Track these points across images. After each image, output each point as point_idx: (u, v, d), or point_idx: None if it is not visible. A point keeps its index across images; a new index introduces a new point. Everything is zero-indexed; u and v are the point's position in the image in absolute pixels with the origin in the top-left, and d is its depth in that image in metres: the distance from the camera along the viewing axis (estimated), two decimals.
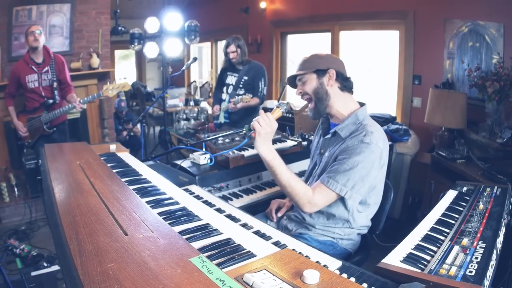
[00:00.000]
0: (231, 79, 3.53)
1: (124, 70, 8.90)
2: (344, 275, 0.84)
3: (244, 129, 1.54)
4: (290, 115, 4.09)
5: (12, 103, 3.29)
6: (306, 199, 1.41)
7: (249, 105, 3.30)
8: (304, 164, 2.28)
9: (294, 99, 4.63)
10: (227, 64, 3.49)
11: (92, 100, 3.16)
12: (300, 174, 2.32)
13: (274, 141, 2.36)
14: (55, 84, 3.20)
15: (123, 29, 5.38)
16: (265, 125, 1.43)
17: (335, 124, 1.60)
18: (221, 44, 6.47)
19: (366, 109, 1.58)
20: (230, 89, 3.51)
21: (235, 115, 3.45)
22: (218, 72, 3.76)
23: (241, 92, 3.44)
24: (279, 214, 1.78)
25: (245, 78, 3.43)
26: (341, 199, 1.48)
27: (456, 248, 1.05)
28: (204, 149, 2.10)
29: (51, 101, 3.20)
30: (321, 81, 1.54)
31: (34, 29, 3.11)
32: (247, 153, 2.15)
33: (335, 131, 1.56)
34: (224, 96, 3.59)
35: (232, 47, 3.35)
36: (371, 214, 1.59)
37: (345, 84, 1.57)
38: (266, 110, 1.54)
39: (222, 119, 3.58)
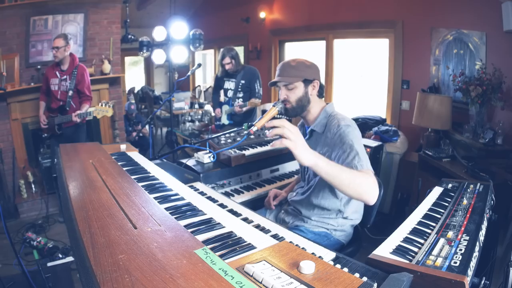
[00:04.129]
0: (229, 84, 3.59)
1: (134, 76, 8.90)
2: (338, 266, 0.84)
3: (244, 127, 1.54)
4: (288, 118, 4.09)
5: (44, 98, 3.41)
6: (370, 188, 1.23)
7: (255, 105, 3.39)
8: None
9: None
10: (224, 73, 3.55)
11: (85, 116, 3.23)
12: (297, 172, 2.32)
13: (272, 141, 2.36)
14: (70, 92, 3.23)
15: (132, 37, 5.37)
16: (297, 132, 1.16)
17: (308, 126, 1.63)
18: None
19: (333, 105, 1.62)
20: (230, 93, 3.58)
21: (238, 116, 3.52)
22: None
23: (240, 95, 3.52)
24: (275, 202, 1.82)
25: (243, 82, 3.50)
26: (331, 191, 1.50)
27: (441, 240, 1.05)
28: (207, 148, 2.10)
29: (65, 106, 3.26)
30: (306, 90, 1.55)
31: (54, 44, 3.13)
32: (248, 152, 2.15)
33: (311, 130, 1.60)
34: (222, 99, 3.65)
35: (227, 59, 3.42)
36: (359, 203, 1.59)
37: (321, 92, 1.60)
38: (264, 111, 1.54)
39: (225, 121, 3.64)
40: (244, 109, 3.40)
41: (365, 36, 4.25)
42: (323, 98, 1.65)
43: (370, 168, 1.32)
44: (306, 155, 1.16)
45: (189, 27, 3.72)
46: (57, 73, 3.25)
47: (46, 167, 3.63)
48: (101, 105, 3.22)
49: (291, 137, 1.14)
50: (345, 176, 1.20)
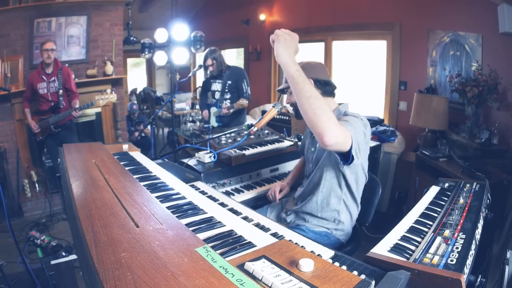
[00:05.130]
0: (216, 86, 3.54)
1: (136, 77, 8.90)
2: (337, 264, 0.84)
3: (244, 127, 1.54)
4: (287, 118, 4.09)
5: (28, 105, 3.44)
6: (332, 122, 1.15)
7: (242, 107, 3.35)
8: None
9: None
10: (209, 75, 3.52)
11: (86, 108, 3.36)
12: None
13: (272, 142, 2.36)
14: (60, 92, 3.37)
15: (134, 39, 5.36)
16: (283, 33, 1.24)
17: None
18: (225, 52, 6.47)
19: (347, 105, 1.58)
20: (217, 94, 3.53)
21: (226, 118, 3.47)
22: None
23: (228, 96, 3.46)
24: (280, 196, 1.80)
25: (229, 82, 3.45)
26: (334, 176, 1.50)
27: (438, 239, 1.05)
28: (208, 148, 2.10)
29: (57, 105, 3.36)
30: None
31: (48, 46, 3.24)
32: (248, 152, 2.15)
33: None
34: (210, 100, 3.60)
35: (209, 61, 3.39)
36: (358, 194, 1.57)
37: (326, 89, 1.53)
38: (264, 112, 1.53)
39: (214, 123, 3.59)
40: (231, 110, 3.36)
41: (363, 38, 4.25)
42: (334, 98, 1.59)
43: (351, 133, 1.24)
44: (281, 52, 1.21)
45: (190, 29, 3.72)
46: (43, 77, 3.35)
47: (50, 166, 3.64)
48: (103, 93, 3.26)
49: (275, 34, 1.25)
50: (308, 89, 1.16)
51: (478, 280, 0.92)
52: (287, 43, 1.22)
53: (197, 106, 6.32)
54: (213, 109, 3.57)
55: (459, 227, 1.12)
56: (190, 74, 3.45)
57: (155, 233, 0.89)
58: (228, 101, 3.45)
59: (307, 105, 1.17)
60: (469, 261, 0.93)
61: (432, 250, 0.98)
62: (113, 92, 3.30)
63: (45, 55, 3.25)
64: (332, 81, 1.58)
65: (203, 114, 3.66)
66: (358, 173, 1.51)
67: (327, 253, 1.00)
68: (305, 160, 1.80)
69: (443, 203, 1.38)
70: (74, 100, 3.44)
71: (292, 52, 1.23)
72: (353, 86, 4.62)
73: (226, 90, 3.46)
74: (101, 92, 3.30)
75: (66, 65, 3.68)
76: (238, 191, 2.01)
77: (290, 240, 0.99)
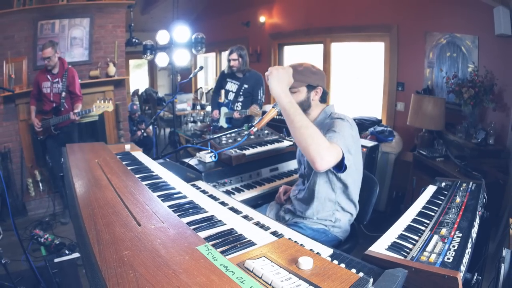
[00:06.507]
0: (232, 86, 3.46)
1: (138, 78, 8.90)
2: (335, 262, 0.84)
3: (244, 127, 1.54)
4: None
5: (34, 103, 3.41)
6: (322, 148, 1.20)
7: (254, 114, 3.30)
8: None
9: None
10: (229, 71, 3.43)
11: (84, 114, 3.34)
12: (295, 171, 2.32)
13: (272, 142, 2.36)
14: (63, 94, 3.31)
15: (136, 41, 5.37)
16: (276, 68, 1.31)
17: None
18: (225, 54, 6.46)
19: (333, 106, 1.61)
20: (231, 95, 3.45)
21: (237, 121, 3.40)
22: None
23: (241, 99, 3.40)
24: (285, 197, 1.83)
25: (245, 86, 3.38)
26: (327, 180, 1.51)
27: (435, 237, 1.05)
28: (209, 148, 2.10)
29: (59, 107, 3.33)
30: (309, 95, 1.53)
31: (44, 55, 3.20)
32: (248, 152, 2.15)
33: None
34: (223, 100, 3.52)
35: (234, 55, 3.31)
36: (354, 193, 1.57)
37: (324, 98, 1.59)
38: (264, 113, 1.53)
39: (224, 124, 3.52)
40: (244, 116, 3.30)
41: (362, 39, 4.25)
42: (325, 103, 1.64)
43: (341, 146, 1.27)
44: (274, 86, 1.28)
45: (192, 31, 3.72)
46: (48, 76, 3.31)
47: (53, 166, 3.63)
48: (101, 102, 3.27)
49: (269, 70, 1.31)
50: (299, 120, 1.23)
51: (475, 278, 0.92)
52: (280, 76, 1.30)
53: (198, 107, 6.32)
54: (224, 109, 3.50)
55: (455, 226, 1.12)
56: (191, 76, 3.44)
57: (157, 231, 0.89)
58: (240, 103, 3.39)
59: (298, 135, 1.23)
60: (466, 259, 0.93)
61: (429, 248, 0.98)
62: (110, 101, 3.28)
63: (45, 61, 3.24)
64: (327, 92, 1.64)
65: (213, 114, 3.55)
66: (352, 174, 1.51)
67: (326, 251, 1.00)
68: (297, 161, 1.80)
69: (440, 202, 1.38)
70: (76, 103, 3.38)
71: (285, 85, 1.31)
72: (351, 87, 4.62)
73: (241, 93, 3.39)
74: (99, 99, 3.29)
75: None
76: (238, 190, 2.01)
77: (289, 239, 0.99)
